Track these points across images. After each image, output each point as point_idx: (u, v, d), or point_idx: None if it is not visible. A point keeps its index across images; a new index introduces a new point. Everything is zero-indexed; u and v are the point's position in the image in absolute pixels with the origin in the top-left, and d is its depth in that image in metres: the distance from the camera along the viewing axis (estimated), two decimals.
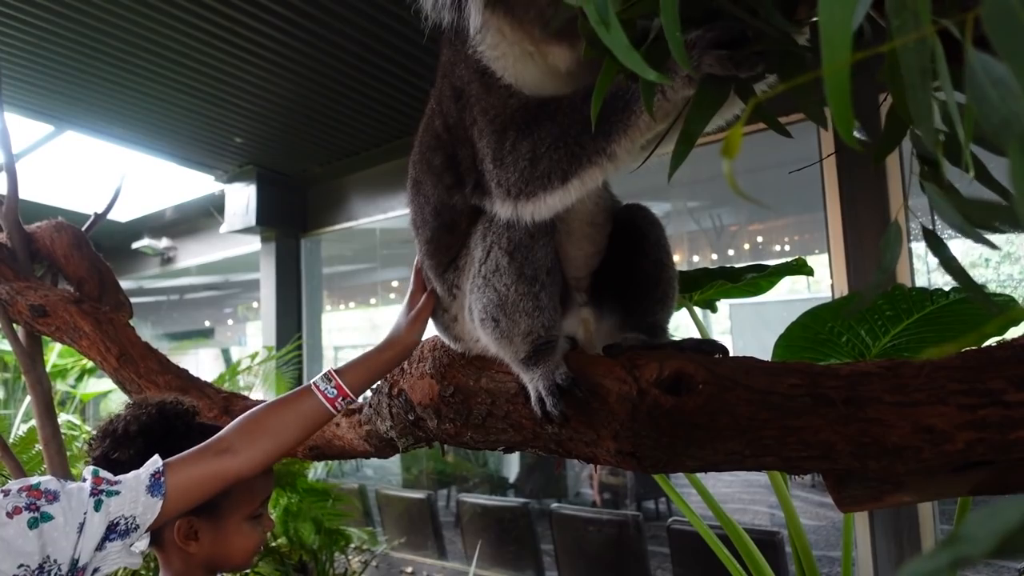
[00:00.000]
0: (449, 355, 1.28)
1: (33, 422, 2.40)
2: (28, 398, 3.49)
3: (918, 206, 1.79)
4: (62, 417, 3.70)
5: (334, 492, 3.96)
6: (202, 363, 9.29)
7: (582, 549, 4.07)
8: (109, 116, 4.53)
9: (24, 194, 2.10)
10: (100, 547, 0.93)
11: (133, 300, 2.14)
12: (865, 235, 3.11)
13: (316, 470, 4.23)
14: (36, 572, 0.87)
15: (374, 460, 4.93)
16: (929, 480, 0.97)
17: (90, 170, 5.59)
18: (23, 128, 4.57)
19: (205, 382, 1.90)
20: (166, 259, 6.90)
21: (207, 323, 10.53)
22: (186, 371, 1.91)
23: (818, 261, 3.31)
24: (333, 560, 3.92)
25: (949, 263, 0.66)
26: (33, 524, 0.87)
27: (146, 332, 6.47)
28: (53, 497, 0.91)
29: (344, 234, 5.91)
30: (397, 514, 5.27)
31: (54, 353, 4.90)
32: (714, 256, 5.82)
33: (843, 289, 3.16)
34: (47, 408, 2.05)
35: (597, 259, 1.24)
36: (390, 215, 5.29)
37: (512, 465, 6.04)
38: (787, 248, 5.79)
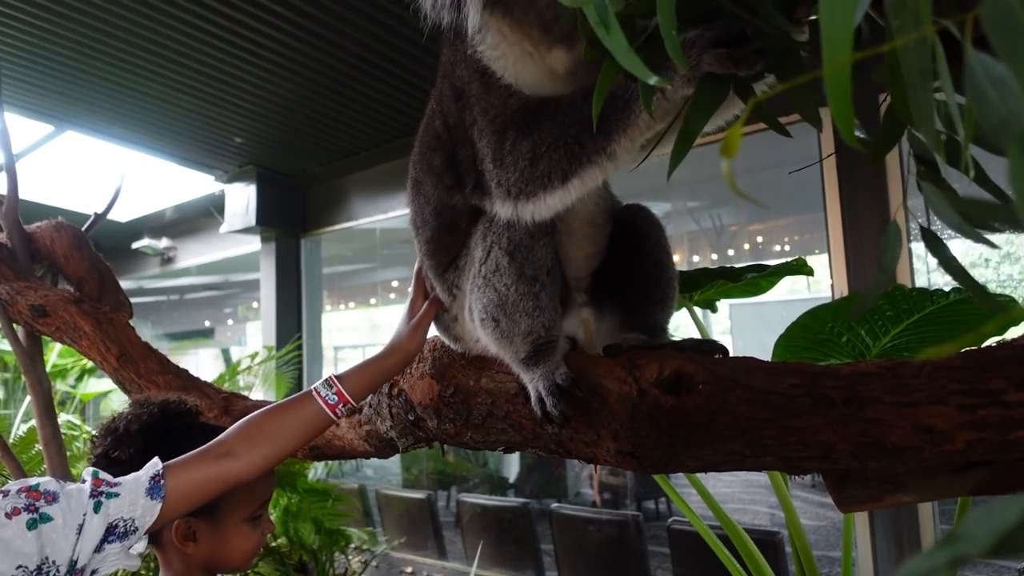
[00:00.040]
0: (449, 355, 1.28)
1: (33, 422, 2.40)
2: (28, 398, 3.49)
3: (918, 206, 1.79)
4: (62, 417, 3.70)
5: (334, 492, 3.96)
6: (202, 363, 9.29)
7: (582, 549, 4.07)
8: (109, 116, 4.53)
9: (24, 194, 2.10)
10: (99, 549, 0.93)
11: (133, 300, 2.14)
12: (865, 235, 3.11)
13: (316, 470, 4.24)
14: (34, 573, 0.86)
15: (374, 460, 4.93)
16: (929, 480, 0.97)
17: (90, 170, 5.59)
18: (23, 128, 4.57)
19: (205, 382, 1.90)
20: (166, 259, 6.91)
21: (207, 323, 10.53)
22: (186, 371, 1.91)
23: (818, 261, 3.31)
24: (333, 560, 3.92)
25: (949, 263, 0.66)
26: (32, 525, 0.87)
27: (146, 332, 6.47)
28: (52, 498, 0.90)
29: (344, 234, 5.91)
30: (397, 514, 5.27)
31: (54, 353, 4.90)
32: (714, 256, 5.82)
33: (843, 289, 3.16)
34: (47, 408, 2.05)
35: (597, 259, 1.24)
36: (390, 215, 5.29)
37: (512, 465, 6.04)
38: (787, 248, 5.79)
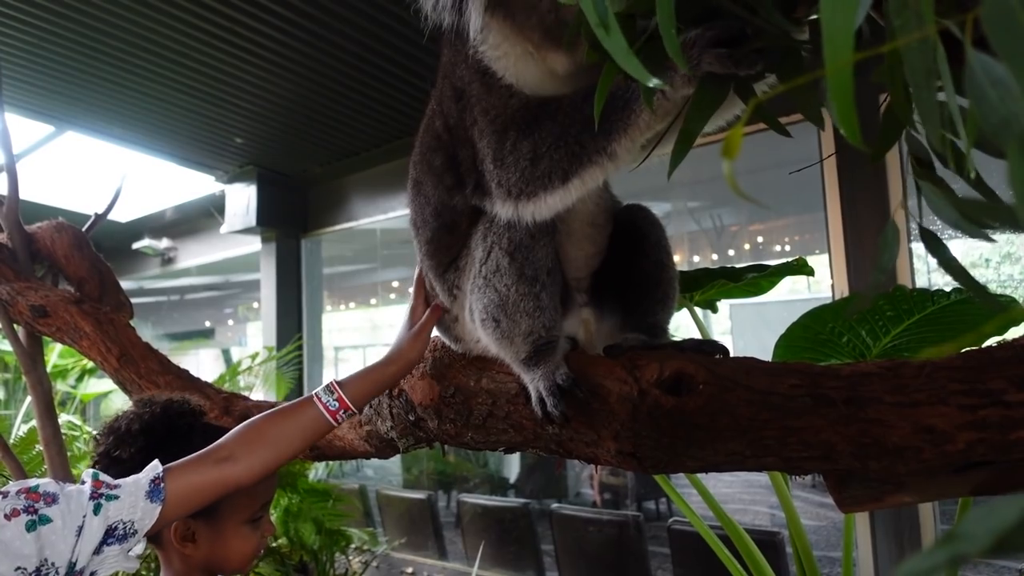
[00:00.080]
0: (450, 355, 1.28)
1: (34, 422, 2.40)
2: (29, 398, 3.49)
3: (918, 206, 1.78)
4: (63, 417, 3.70)
5: (335, 492, 3.96)
6: (202, 363, 9.30)
7: (583, 549, 4.07)
8: (109, 116, 4.54)
9: (24, 194, 2.10)
10: (98, 551, 0.93)
11: (133, 300, 2.14)
12: (865, 235, 3.11)
13: (317, 471, 4.24)
14: (33, 575, 0.87)
15: (374, 460, 4.93)
16: (930, 480, 0.97)
17: (90, 170, 5.58)
18: (23, 128, 4.57)
19: (205, 383, 1.90)
20: (166, 259, 6.91)
21: (207, 323, 10.53)
22: (187, 371, 1.91)
23: (818, 261, 3.31)
24: (334, 560, 3.92)
25: (949, 263, 0.66)
26: (31, 527, 0.87)
27: (147, 332, 6.48)
28: (52, 500, 0.90)
29: (344, 234, 5.91)
30: (398, 514, 5.27)
31: (55, 353, 4.90)
32: (714, 256, 5.82)
33: (843, 289, 3.16)
34: (47, 408, 2.05)
35: (598, 259, 1.24)
36: (390, 215, 5.29)
37: (512, 465, 6.03)
38: (787, 248, 5.78)
